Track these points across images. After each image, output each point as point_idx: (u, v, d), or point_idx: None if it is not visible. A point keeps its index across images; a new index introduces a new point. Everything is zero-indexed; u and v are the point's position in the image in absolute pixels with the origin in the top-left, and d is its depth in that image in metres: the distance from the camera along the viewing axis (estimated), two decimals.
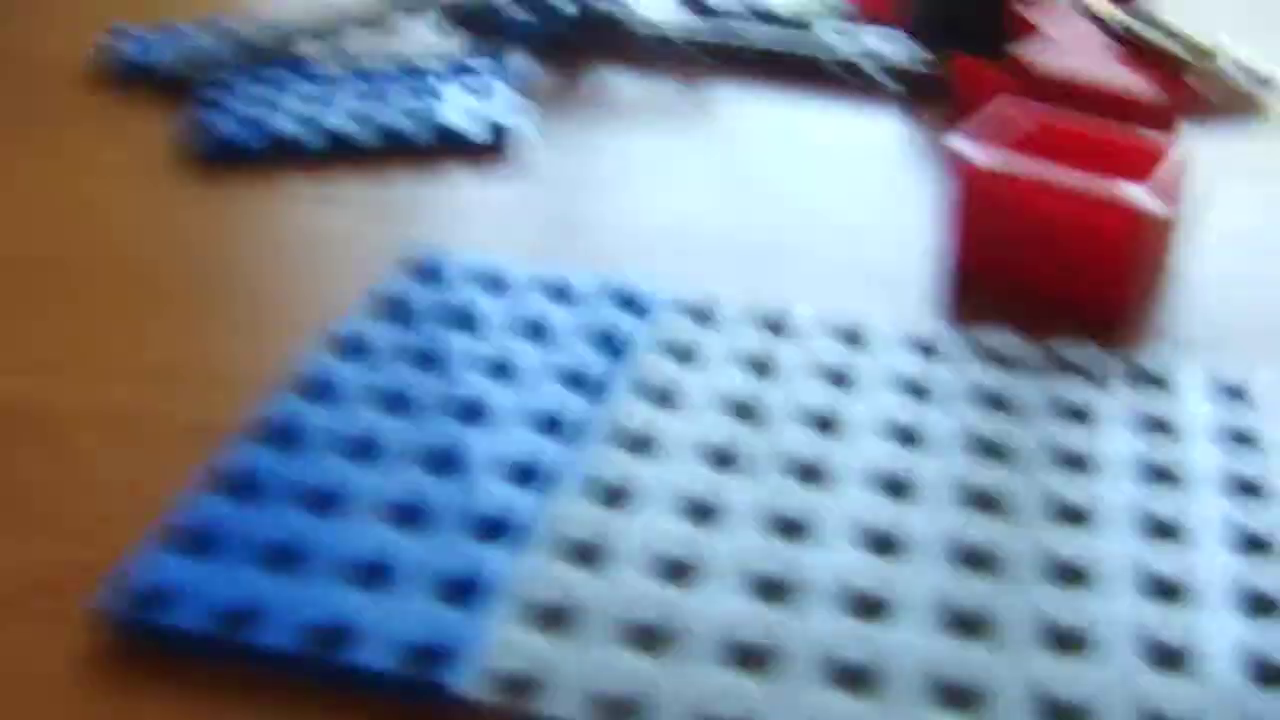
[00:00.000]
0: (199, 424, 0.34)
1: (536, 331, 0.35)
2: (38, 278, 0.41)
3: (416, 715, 0.26)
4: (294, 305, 0.39)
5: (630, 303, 0.37)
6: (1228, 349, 0.37)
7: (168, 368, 0.36)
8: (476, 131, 0.47)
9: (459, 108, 0.48)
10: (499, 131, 0.47)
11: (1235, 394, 0.33)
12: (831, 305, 0.38)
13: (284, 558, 0.28)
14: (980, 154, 0.38)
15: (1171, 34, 0.47)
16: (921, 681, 0.26)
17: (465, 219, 0.44)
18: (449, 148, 0.47)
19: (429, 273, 0.38)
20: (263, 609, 0.27)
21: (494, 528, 0.29)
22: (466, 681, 0.26)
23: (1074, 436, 0.32)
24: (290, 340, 0.37)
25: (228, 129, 0.47)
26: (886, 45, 0.52)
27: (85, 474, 0.33)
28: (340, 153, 0.47)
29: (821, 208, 0.44)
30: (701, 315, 0.36)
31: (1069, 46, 0.47)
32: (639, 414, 0.32)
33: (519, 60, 0.53)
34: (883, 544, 0.29)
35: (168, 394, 0.35)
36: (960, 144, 0.39)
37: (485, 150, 0.47)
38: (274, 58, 0.52)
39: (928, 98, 0.51)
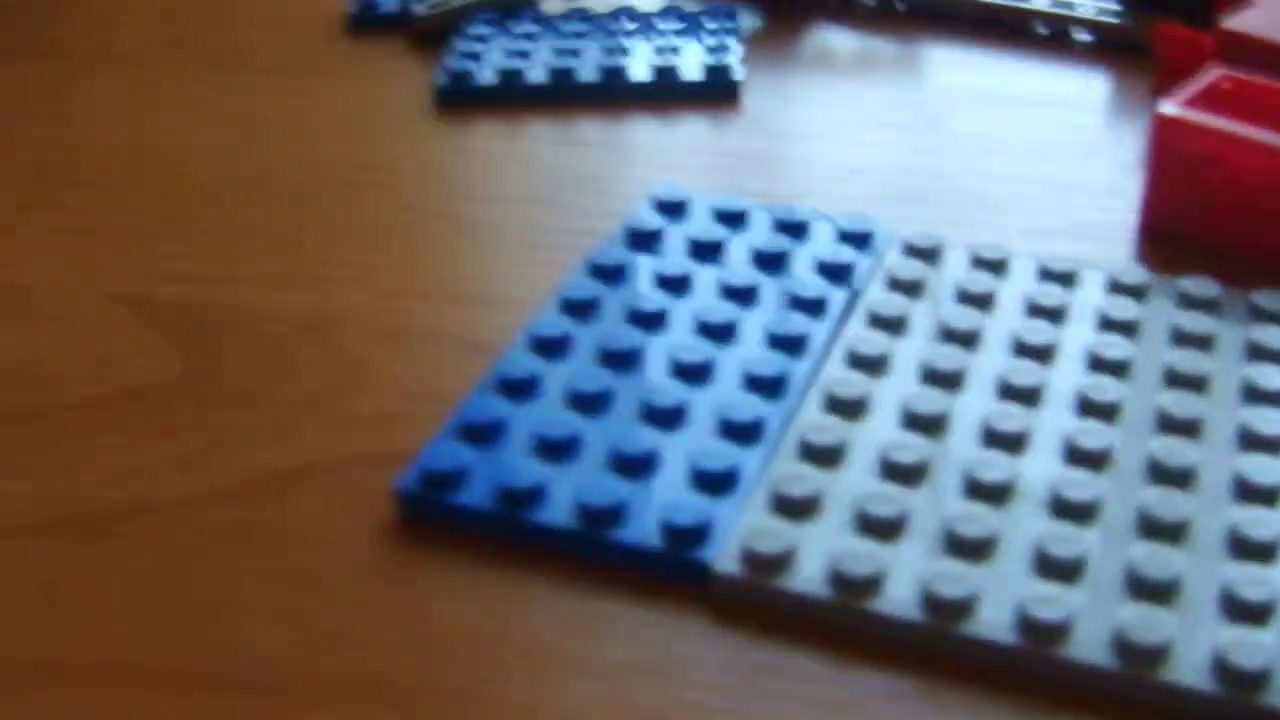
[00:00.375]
0: (469, 337, 0.38)
1: (772, 263, 0.39)
2: (309, 208, 0.45)
3: (676, 589, 0.30)
4: (545, 236, 0.43)
5: (858, 240, 0.40)
6: None
7: (437, 288, 0.41)
8: (704, 79, 0.51)
9: (688, 56, 0.52)
10: (725, 80, 0.51)
11: None
12: (1032, 251, 0.41)
13: (557, 450, 0.32)
14: (1180, 112, 0.41)
15: None
16: (1121, 578, 0.29)
17: (692, 159, 0.48)
18: (677, 93, 0.51)
19: (673, 208, 0.42)
20: (540, 491, 0.31)
21: (743, 431, 0.33)
22: (722, 559, 0.30)
23: (1268, 375, 0.35)
24: (544, 266, 0.41)
25: (476, 75, 0.51)
26: (1094, 7, 0.55)
27: (370, 377, 0.37)
28: (578, 98, 0.51)
29: (1024, 160, 0.47)
30: (924, 254, 0.39)
31: (1275, 12, 0.49)
32: (869, 339, 0.36)
33: (744, 13, 0.56)
34: (1088, 460, 0.32)
35: (439, 311, 0.40)
36: (1162, 103, 0.41)
37: (711, 97, 0.51)
38: (519, 8, 0.56)
39: (1132, 59, 0.53)
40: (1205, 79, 0.44)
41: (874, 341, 0.35)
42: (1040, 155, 0.47)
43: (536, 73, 0.51)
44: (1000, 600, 0.29)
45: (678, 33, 0.54)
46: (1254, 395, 0.34)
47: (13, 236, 0.44)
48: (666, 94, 0.51)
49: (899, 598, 0.29)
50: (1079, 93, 0.52)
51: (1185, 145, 0.41)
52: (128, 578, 0.31)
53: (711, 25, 0.54)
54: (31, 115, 0.52)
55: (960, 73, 0.53)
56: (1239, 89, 0.44)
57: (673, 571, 0.30)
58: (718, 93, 0.51)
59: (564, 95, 0.51)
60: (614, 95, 0.51)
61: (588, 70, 0.51)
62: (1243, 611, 0.28)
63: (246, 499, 0.33)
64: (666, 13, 0.56)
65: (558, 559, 0.31)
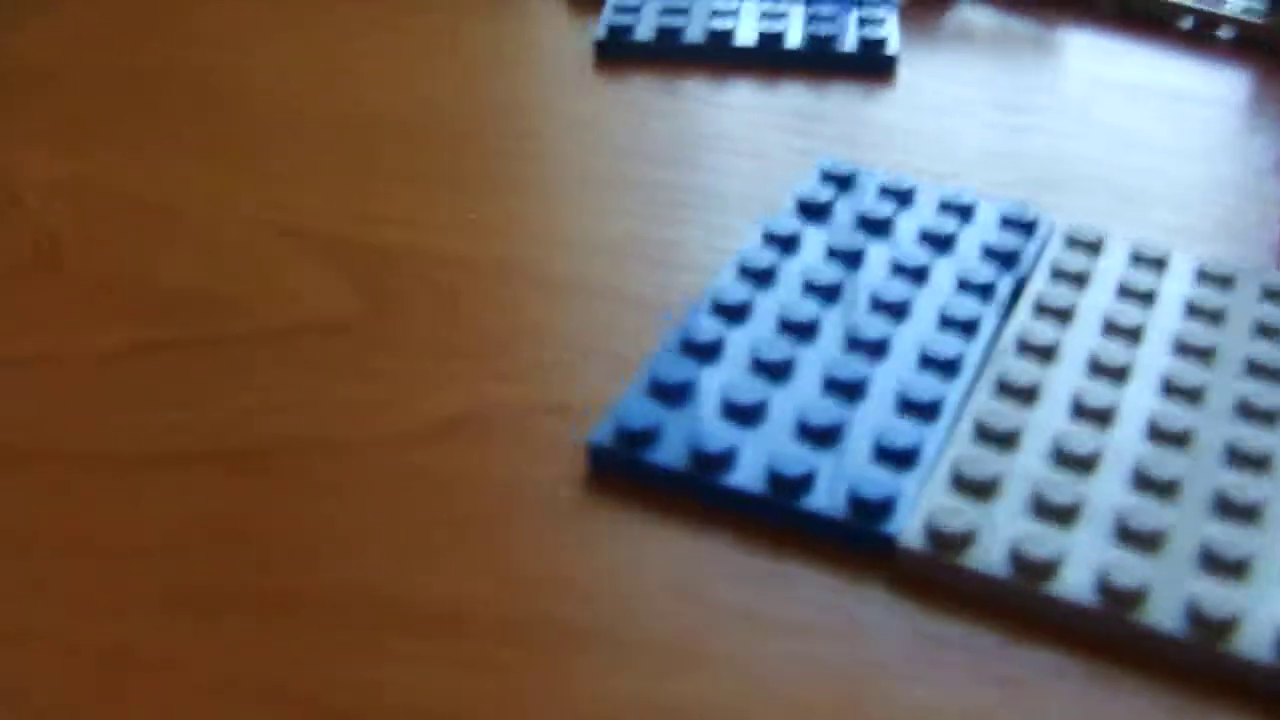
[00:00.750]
0: (631, 293, 0.40)
1: (941, 244, 0.41)
2: (468, 152, 0.47)
3: (857, 556, 0.32)
4: (700, 197, 0.45)
5: (1022, 227, 0.41)
6: None
7: (597, 242, 0.42)
8: (859, 51, 0.52)
9: (844, 29, 0.53)
10: (879, 53, 0.52)
11: None
12: (1170, 246, 0.42)
13: (745, 415, 0.34)
14: None
15: None
16: None
17: (843, 129, 0.49)
18: (832, 63, 0.52)
19: (842, 181, 0.43)
20: (731, 455, 0.33)
21: (923, 409, 0.34)
22: (907, 534, 0.32)
23: None
24: (700, 227, 0.43)
25: (635, 30, 0.52)
26: (1241, 5, 0.56)
27: (538, 327, 0.39)
28: (733, 60, 0.52)
29: (1165, 155, 0.48)
30: (1087, 246, 0.41)
31: None
32: (1038, 329, 0.37)
33: None
34: (1249, 462, 0.34)
35: (601, 264, 0.41)
36: None
37: (864, 69, 0.52)
38: None
39: (1275, 59, 0.55)
40: None
41: (1042, 331, 0.37)
42: (1181, 151, 0.48)
43: (694, 32, 0.52)
44: (1170, 591, 0.30)
45: (838, 6, 0.55)
46: None
47: (160, 160, 0.46)
48: (821, 63, 0.52)
49: (1074, 582, 0.30)
50: (1220, 90, 0.53)
51: None
52: (291, 513, 0.33)
53: (870, 3, 0.55)
54: (155, 37, 0.54)
55: (1100, 60, 0.54)
56: None
57: (859, 542, 0.32)
58: (871, 65, 0.52)
59: (720, 57, 0.52)
60: (769, 60, 0.52)
61: (745, 34, 0.52)
62: None
63: (422, 442, 0.35)
64: None
65: (742, 520, 0.33)
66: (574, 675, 0.29)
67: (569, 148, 0.47)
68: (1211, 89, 0.53)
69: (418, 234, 0.42)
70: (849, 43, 0.52)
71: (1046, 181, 0.46)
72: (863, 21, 0.53)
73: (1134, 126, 0.50)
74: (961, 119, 0.50)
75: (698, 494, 0.33)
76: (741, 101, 0.50)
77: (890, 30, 0.53)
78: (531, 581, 0.31)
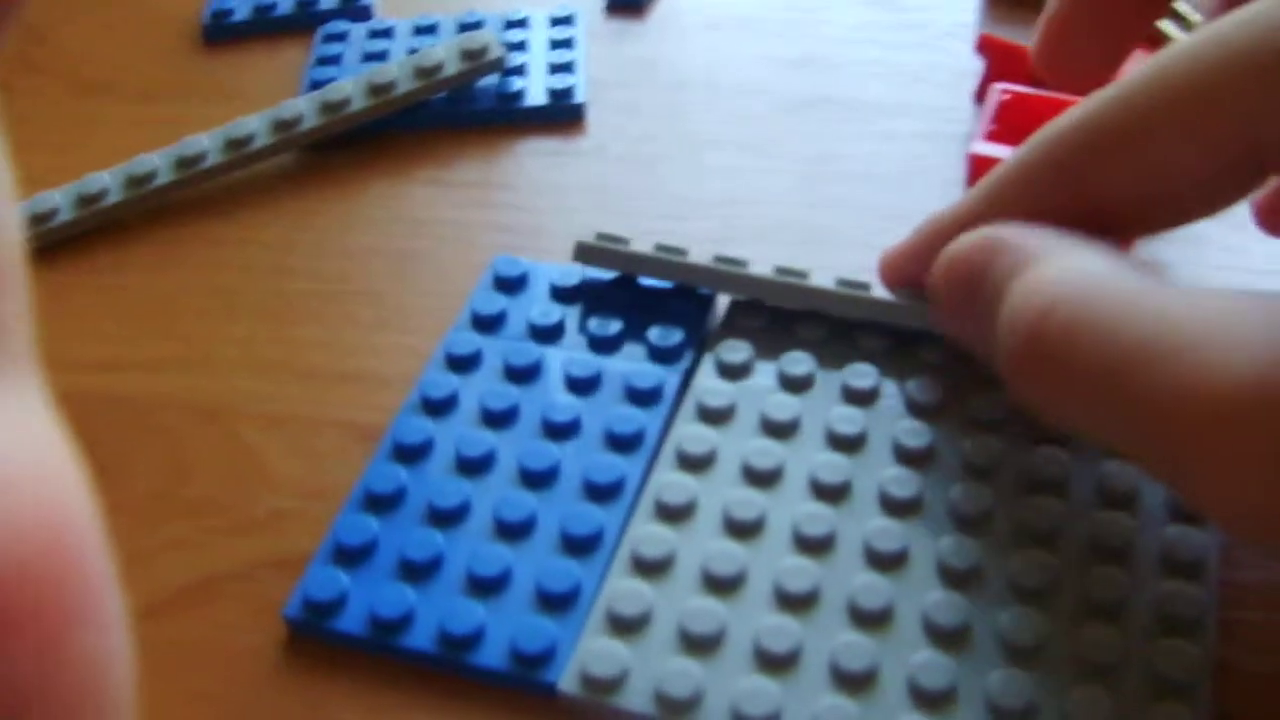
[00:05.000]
0: (352, 420, 0.42)
1: (609, 345, 0.43)
2: (174, 269, 0.48)
3: (533, 706, 0.35)
4: (417, 298, 0.47)
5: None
6: None
7: (317, 367, 0.45)
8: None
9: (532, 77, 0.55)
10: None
11: None
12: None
13: (418, 572, 0.37)
14: (989, 150, 0.46)
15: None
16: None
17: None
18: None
19: (513, 284, 0.46)
20: (406, 617, 0.36)
21: (579, 545, 0.37)
22: (566, 681, 0.34)
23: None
24: (415, 334, 0.45)
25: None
26: None
27: (263, 472, 0.41)
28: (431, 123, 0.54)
29: (860, 182, 0.51)
30: (734, 370, 0.43)
31: None
32: (693, 435, 0.40)
33: None
34: (885, 563, 0.37)
35: (322, 393, 0.44)
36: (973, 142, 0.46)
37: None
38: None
39: None
40: (992, 101, 0.48)
41: (699, 439, 0.39)
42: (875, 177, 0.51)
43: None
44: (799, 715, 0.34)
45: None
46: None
47: None
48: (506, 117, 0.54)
49: (716, 711, 0.34)
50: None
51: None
52: None
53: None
54: None
55: None
56: (1020, 103, 0.47)
57: (527, 691, 0.35)
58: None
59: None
60: (460, 120, 0.54)
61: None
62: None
63: (165, 615, 0.37)
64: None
65: (426, 674, 0.36)
66: None
67: (277, 257, 0.49)
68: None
69: (144, 379, 0.44)
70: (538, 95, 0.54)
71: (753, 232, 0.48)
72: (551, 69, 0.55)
73: (834, 153, 0.52)
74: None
75: (383, 655, 0.36)
76: (446, 178, 0.52)
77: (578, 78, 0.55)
78: None
